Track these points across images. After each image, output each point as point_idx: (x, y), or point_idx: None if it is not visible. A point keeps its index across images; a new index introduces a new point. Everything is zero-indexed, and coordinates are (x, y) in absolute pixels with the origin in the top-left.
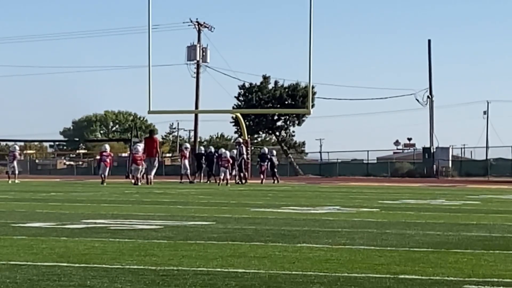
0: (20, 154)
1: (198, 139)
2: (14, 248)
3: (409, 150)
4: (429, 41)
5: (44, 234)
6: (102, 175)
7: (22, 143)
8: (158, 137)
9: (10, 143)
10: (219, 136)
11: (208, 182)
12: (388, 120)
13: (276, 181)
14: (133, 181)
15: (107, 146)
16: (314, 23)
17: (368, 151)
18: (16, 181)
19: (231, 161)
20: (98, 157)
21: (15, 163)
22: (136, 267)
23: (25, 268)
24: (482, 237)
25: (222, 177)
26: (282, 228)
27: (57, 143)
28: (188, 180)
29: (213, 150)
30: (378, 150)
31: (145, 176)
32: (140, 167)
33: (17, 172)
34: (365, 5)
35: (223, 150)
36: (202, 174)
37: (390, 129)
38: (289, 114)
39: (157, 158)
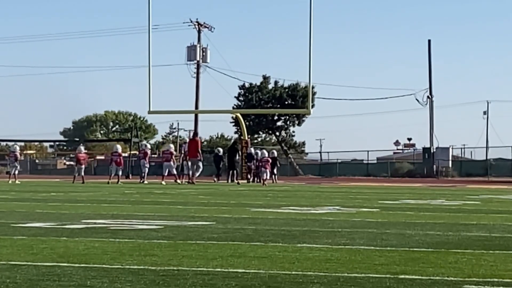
0: (20, 154)
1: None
2: (14, 248)
3: (409, 150)
4: (429, 41)
5: (44, 234)
6: (114, 175)
7: (22, 143)
8: (158, 137)
9: (10, 143)
10: (219, 136)
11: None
12: (388, 120)
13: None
14: (73, 180)
15: (118, 146)
16: (314, 23)
17: (368, 151)
18: (17, 181)
19: (270, 161)
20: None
21: (17, 163)
22: (136, 267)
23: (25, 268)
24: (482, 237)
25: (264, 177)
26: (282, 228)
27: (57, 143)
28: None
29: (221, 151)
30: (378, 150)
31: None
32: (83, 166)
33: (17, 172)
34: (365, 5)
35: (264, 151)
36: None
37: (390, 129)
38: (289, 114)
39: (200, 159)
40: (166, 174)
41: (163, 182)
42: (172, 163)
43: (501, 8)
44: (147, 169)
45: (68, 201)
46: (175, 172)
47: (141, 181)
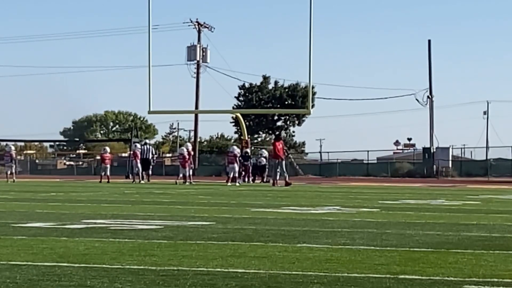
0: (16, 154)
1: (198, 139)
2: (14, 248)
3: (409, 150)
4: (429, 41)
5: (44, 234)
6: (182, 175)
7: (22, 143)
8: (158, 137)
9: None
10: (219, 136)
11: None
12: (388, 120)
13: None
14: (105, 180)
15: (184, 149)
16: (314, 23)
17: (368, 151)
18: (13, 179)
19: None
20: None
21: (12, 163)
22: (136, 267)
23: (25, 268)
24: (482, 237)
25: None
26: (282, 228)
27: (57, 143)
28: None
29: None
30: (378, 150)
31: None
32: (108, 166)
33: (13, 171)
34: (365, 5)
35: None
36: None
37: (390, 129)
38: (289, 114)
39: (283, 160)
40: (231, 175)
41: (238, 183)
42: (235, 165)
43: (501, 8)
44: (140, 169)
45: (68, 201)
46: (235, 175)
47: (133, 181)
